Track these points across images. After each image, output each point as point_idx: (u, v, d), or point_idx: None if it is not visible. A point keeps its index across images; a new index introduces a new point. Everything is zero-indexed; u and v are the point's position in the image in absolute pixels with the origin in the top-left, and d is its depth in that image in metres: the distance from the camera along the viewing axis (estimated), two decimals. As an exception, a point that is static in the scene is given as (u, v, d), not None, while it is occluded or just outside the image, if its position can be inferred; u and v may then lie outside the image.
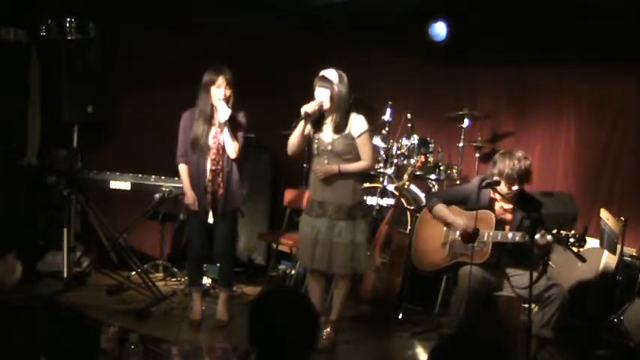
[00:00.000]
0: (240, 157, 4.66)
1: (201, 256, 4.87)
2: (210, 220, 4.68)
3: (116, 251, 5.56)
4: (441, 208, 4.48)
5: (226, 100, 4.52)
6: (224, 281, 4.90)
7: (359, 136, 4.36)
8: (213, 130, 4.59)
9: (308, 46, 6.35)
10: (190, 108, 4.66)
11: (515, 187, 4.24)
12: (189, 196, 4.66)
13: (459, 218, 4.38)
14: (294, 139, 4.41)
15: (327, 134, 4.39)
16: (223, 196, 4.62)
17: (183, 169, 4.70)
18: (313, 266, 4.44)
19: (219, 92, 4.51)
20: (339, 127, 4.35)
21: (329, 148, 4.37)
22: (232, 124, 4.55)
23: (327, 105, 4.32)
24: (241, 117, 4.63)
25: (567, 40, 5.60)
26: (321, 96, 4.30)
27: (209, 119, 4.57)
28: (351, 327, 4.88)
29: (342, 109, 4.34)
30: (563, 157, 5.93)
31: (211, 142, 4.59)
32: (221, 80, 4.51)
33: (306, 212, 4.51)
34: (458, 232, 4.38)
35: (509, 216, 4.35)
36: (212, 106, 4.56)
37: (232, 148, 4.56)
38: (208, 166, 4.60)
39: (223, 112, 4.49)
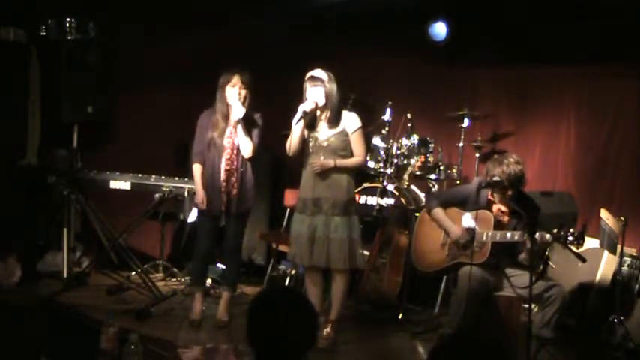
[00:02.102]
0: (264, 155, 4.67)
1: (208, 256, 4.88)
2: (222, 222, 4.68)
3: (116, 251, 5.56)
4: (438, 213, 4.49)
5: (242, 100, 4.55)
6: (229, 281, 4.91)
7: (353, 133, 4.45)
8: (228, 130, 4.61)
9: (308, 46, 6.35)
10: (208, 108, 4.68)
11: (509, 193, 4.24)
12: (199, 196, 4.67)
13: (455, 226, 4.39)
14: (294, 140, 4.44)
15: (323, 132, 4.46)
16: (237, 196, 4.63)
17: (197, 168, 4.70)
18: (312, 262, 4.46)
19: (233, 91, 4.54)
20: (333, 123, 4.43)
21: (325, 144, 4.43)
22: (247, 124, 4.57)
23: (322, 102, 4.39)
24: (257, 117, 4.66)
25: (567, 40, 5.60)
26: (315, 94, 4.37)
27: (226, 119, 4.60)
28: (351, 327, 4.88)
29: (335, 106, 4.43)
30: (563, 157, 5.93)
31: (226, 142, 4.61)
32: (235, 79, 4.55)
33: (299, 211, 4.52)
34: (452, 240, 4.40)
35: (506, 219, 4.34)
36: (228, 106, 4.59)
37: (247, 148, 4.58)
38: (223, 166, 4.61)
39: (237, 111, 4.53)
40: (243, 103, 4.55)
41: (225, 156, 4.61)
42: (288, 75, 6.21)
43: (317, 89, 4.37)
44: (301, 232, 4.46)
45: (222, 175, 4.61)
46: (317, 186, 4.43)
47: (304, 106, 4.36)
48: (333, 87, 4.41)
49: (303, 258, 4.50)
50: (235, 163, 4.62)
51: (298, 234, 4.49)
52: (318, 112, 4.45)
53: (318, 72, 4.40)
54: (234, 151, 4.61)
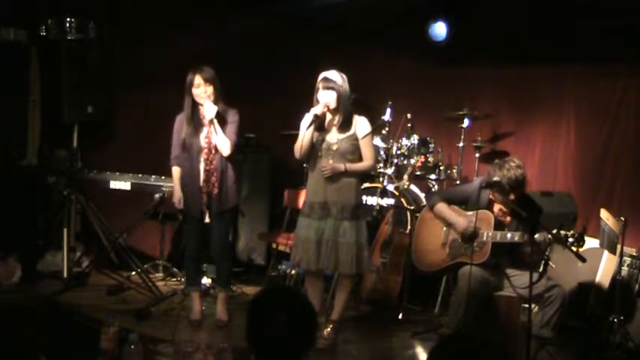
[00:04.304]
0: (237, 156, 4.66)
1: (198, 256, 4.86)
2: (207, 220, 4.68)
3: (116, 251, 5.56)
4: (442, 207, 4.48)
5: (210, 97, 4.54)
6: (222, 281, 4.90)
7: (363, 137, 4.40)
8: (205, 130, 4.60)
9: (308, 46, 6.35)
10: (183, 111, 4.67)
11: (511, 197, 4.24)
12: (176, 196, 4.69)
13: (460, 218, 4.39)
14: (304, 143, 4.38)
15: (333, 135, 4.41)
16: (218, 195, 4.61)
17: (176, 170, 4.73)
18: (319, 267, 4.43)
19: (200, 91, 4.54)
20: (344, 127, 4.38)
21: (334, 148, 4.38)
22: (221, 121, 4.56)
23: (333, 105, 4.34)
24: (232, 115, 4.63)
25: (567, 40, 5.60)
26: (327, 97, 4.32)
27: (193, 120, 4.59)
28: (351, 327, 4.88)
29: (346, 108, 4.38)
30: (563, 157, 5.93)
31: (203, 142, 4.59)
32: (198, 79, 4.53)
33: (304, 215, 4.47)
34: (459, 232, 4.38)
35: (507, 219, 4.34)
36: (193, 108, 4.58)
37: (224, 146, 4.56)
38: (202, 166, 4.61)
39: (209, 111, 4.52)
40: (212, 100, 4.53)
41: (204, 156, 4.60)
42: (287, 75, 6.25)
43: (329, 92, 4.31)
44: (308, 236, 4.41)
45: (202, 176, 4.60)
46: (326, 190, 4.38)
47: (316, 110, 4.30)
48: (346, 90, 4.36)
49: (310, 262, 4.43)
50: (214, 162, 4.60)
51: (305, 238, 4.43)
52: (330, 115, 4.40)
53: (332, 74, 4.34)
54: (212, 151, 4.59)
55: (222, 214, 4.69)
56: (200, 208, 4.64)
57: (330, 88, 4.31)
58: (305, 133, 4.35)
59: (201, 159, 4.60)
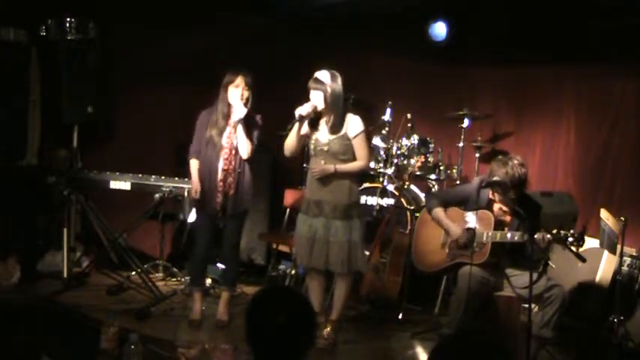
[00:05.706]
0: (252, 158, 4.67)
1: (206, 256, 4.87)
2: (221, 223, 4.68)
3: (116, 251, 5.56)
4: (438, 212, 4.48)
5: (244, 101, 4.55)
6: (228, 281, 4.91)
7: (355, 137, 4.38)
8: (228, 129, 4.61)
9: (308, 46, 6.35)
10: (208, 107, 4.69)
11: (511, 195, 4.23)
12: (194, 186, 4.68)
13: (455, 225, 4.38)
14: (289, 141, 4.44)
15: (324, 135, 4.40)
16: (234, 196, 4.63)
17: (194, 163, 4.72)
18: (311, 264, 4.45)
19: (236, 92, 4.54)
20: (335, 127, 4.37)
21: (325, 148, 4.38)
22: (247, 125, 4.57)
23: (321, 107, 4.33)
24: (258, 119, 4.66)
25: (567, 40, 5.60)
26: (315, 98, 4.32)
27: (226, 119, 4.60)
28: (351, 327, 4.88)
29: (338, 109, 4.36)
30: (563, 157, 5.93)
31: (225, 141, 4.61)
32: (239, 80, 4.54)
33: (303, 211, 4.51)
34: (452, 239, 4.38)
35: (508, 218, 4.34)
36: (229, 106, 4.58)
37: (245, 149, 4.57)
38: (220, 165, 4.61)
39: (238, 112, 4.52)
40: (245, 105, 4.55)
41: (224, 155, 4.61)
42: (288, 75, 6.24)
43: (317, 93, 4.30)
44: (302, 232, 4.45)
45: (220, 175, 4.61)
46: (320, 188, 4.40)
47: (300, 110, 4.30)
48: (336, 89, 4.31)
49: (302, 258, 4.50)
50: (233, 163, 4.61)
51: (300, 234, 4.48)
52: (323, 115, 4.38)
53: (322, 74, 4.32)
54: (233, 152, 4.60)
55: (235, 216, 4.70)
56: (215, 207, 4.64)
57: (317, 89, 4.30)
58: (291, 132, 4.38)
59: (221, 158, 4.61)
